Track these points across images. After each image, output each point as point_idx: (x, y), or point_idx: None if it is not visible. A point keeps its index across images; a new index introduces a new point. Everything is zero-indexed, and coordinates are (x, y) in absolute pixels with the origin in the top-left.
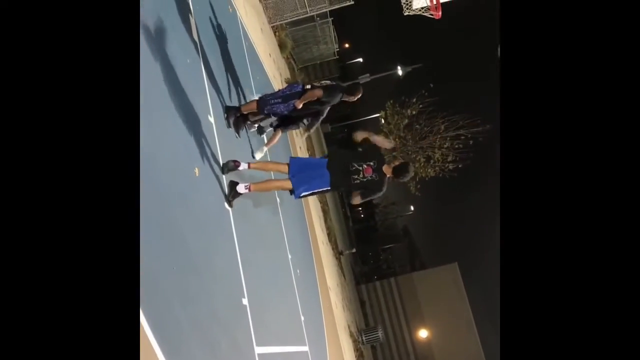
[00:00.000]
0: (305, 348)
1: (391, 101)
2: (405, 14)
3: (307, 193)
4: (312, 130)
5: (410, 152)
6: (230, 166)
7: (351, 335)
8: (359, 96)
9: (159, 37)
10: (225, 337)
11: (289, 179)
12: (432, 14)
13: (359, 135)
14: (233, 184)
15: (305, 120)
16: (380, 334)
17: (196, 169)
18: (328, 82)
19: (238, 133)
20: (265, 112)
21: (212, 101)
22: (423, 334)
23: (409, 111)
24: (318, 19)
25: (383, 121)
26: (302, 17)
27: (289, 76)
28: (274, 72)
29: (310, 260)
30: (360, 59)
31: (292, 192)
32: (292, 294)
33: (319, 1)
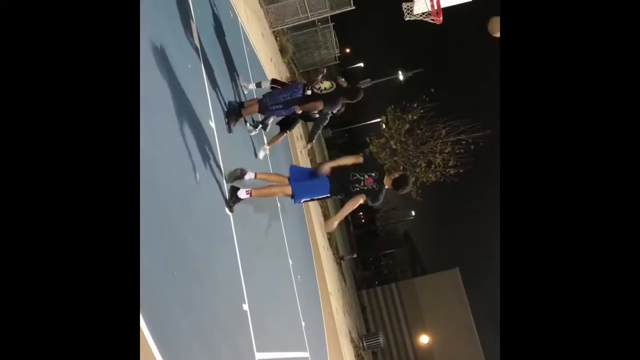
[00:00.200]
0: (306, 354)
1: (392, 106)
2: (406, 19)
3: (307, 199)
4: (314, 141)
5: (411, 157)
6: (237, 174)
7: (352, 341)
8: (360, 98)
9: (160, 42)
10: (226, 343)
11: (289, 185)
12: (433, 19)
13: (326, 168)
14: (234, 189)
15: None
16: (381, 339)
17: (197, 174)
18: (328, 84)
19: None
20: (267, 115)
21: (213, 106)
22: (424, 339)
23: (410, 116)
24: (319, 24)
25: (384, 126)
26: (303, 22)
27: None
28: (275, 77)
29: (311, 265)
30: (361, 64)
31: (292, 197)
32: (293, 300)
33: (320, 6)
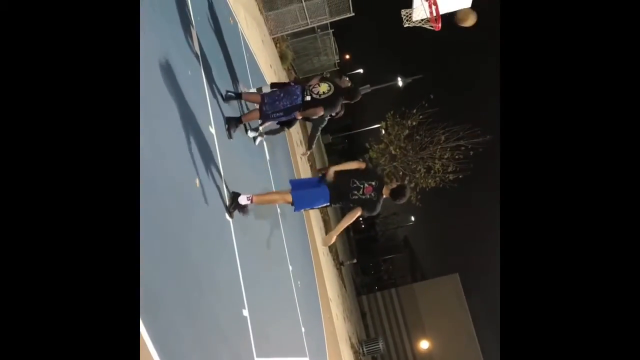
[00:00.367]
0: (306, 359)
1: (391, 112)
2: (405, 25)
3: (307, 207)
4: (314, 146)
5: (410, 163)
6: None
7: (352, 346)
8: (358, 99)
9: (160, 48)
10: (226, 349)
11: (289, 193)
12: (432, 26)
13: (331, 172)
14: (235, 195)
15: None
16: (381, 345)
17: (197, 180)
18: (326, 87)
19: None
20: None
21: (213, 112)
22: (424, 345)
23: (409, 122)
24: (319, 30)
25: (383, 132)
26: (302, 28)
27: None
28: (274, 82)
29: (311, 271)
30: (361, 70)
31: (292, 204)
32: (293, 305)
33: (319, 13)
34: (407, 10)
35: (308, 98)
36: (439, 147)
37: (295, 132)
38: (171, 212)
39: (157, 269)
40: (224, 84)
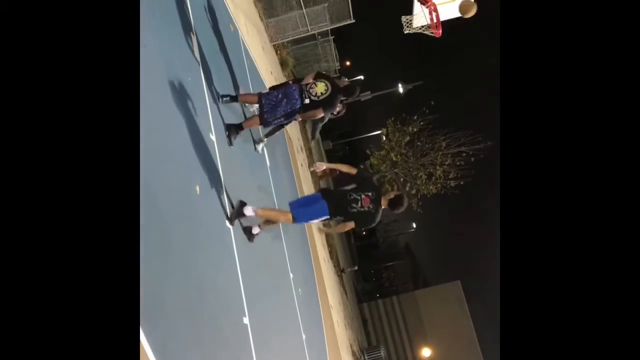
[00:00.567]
0: None
1: (392, 118)
2: (405, 32)
3: (307, 220)
4: (316, 136)
5: (411, 169)
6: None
7: (353, 354)
8: (356, 95)
9: (160, 55)
10: (226, 356)
11: (290, 212)
12: (432, 32)
13: (325, 167)
14: (242, 204)
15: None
16: (382, 353)
17: (197, 187)
18: (323, 87)
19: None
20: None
21: (214, 119)
22: (426, 352)
23: (410, 128)
24: (319, 37)
25: (384, 138)
26: (303, 35)
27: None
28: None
29: (312, 278)
30: (362, 77)
31: (294, 219)
32: (294, 313)
33: (320, 20)
34: (408, 17)
35: (307, 101)
36: (440, 153)
37: (296, 139)
38: (171, 219)
39: (157, 276)
40: (225, 91)
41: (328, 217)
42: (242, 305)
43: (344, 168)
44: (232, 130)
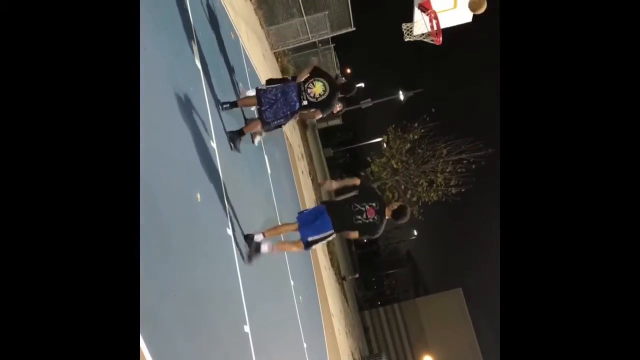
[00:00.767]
0: None
1: (393, 126)
2: (406, 40)
3: (314, 239)
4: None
5: (412, 177)
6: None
7: None
8: (354, 92)
9: (161, 63)
10: None
11: (300, 242)
12: (432, 40)
13: (332, 184)
14: (257, 245)
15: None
16: None
17: (198, 194)
18: (321, 87)
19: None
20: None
21: (215, 126)
22: None
23: (411, 135)
24: (320, 45)
25: (385, 145)
26: (304, 43)
27: None
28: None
29: (313, 286)
30: (362, 84)
31: (305, 247)
32: (295, 321)
33: (320, 27)
34: (408, 25)
35: (305, 103)
36: (441, 160)
37: (297, 145)
38: (172, 226)
39: (157, 284)
40: (225, 98)
41: (332, 231)
42: (243, 313)
43: (350, 182)
44: (235, 137)
